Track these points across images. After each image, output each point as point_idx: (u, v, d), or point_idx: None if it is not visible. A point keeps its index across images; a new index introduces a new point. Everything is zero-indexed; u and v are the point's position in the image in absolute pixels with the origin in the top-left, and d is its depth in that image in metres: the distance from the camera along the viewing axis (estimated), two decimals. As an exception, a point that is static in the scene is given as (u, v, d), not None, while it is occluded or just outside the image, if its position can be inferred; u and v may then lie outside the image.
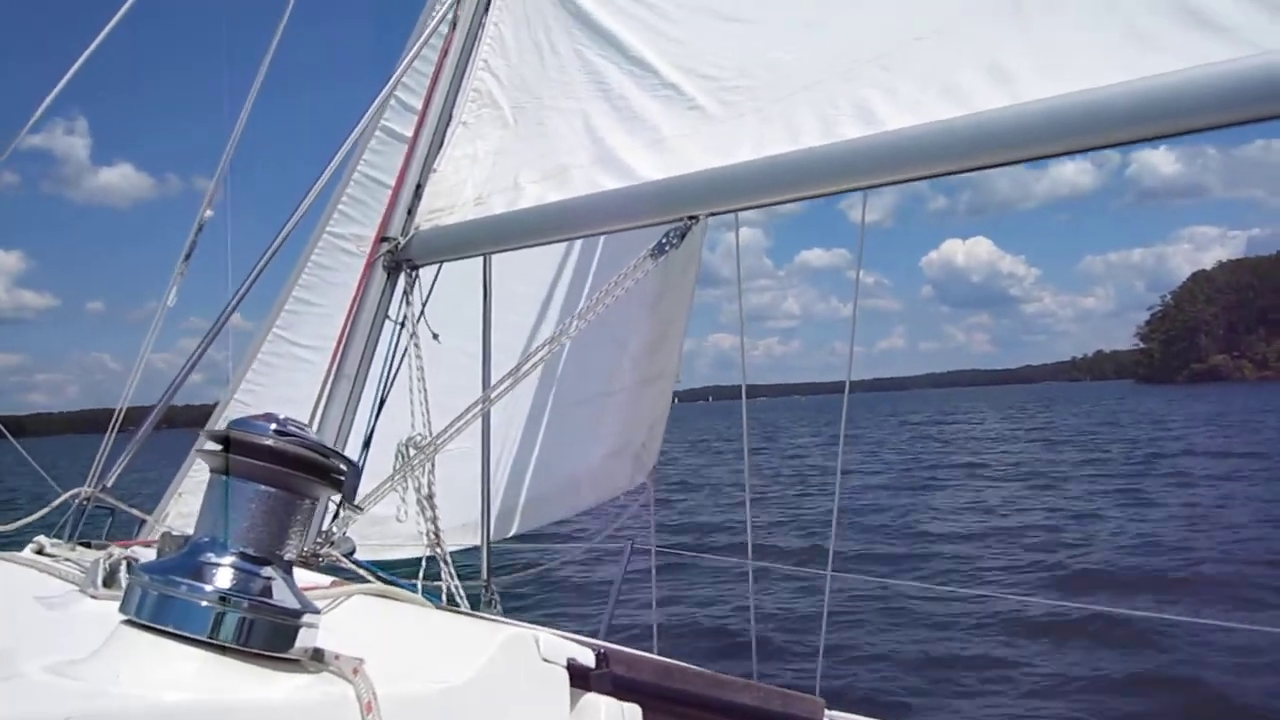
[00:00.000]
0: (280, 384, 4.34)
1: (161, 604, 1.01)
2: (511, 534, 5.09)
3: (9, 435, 4.13)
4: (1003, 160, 2.09)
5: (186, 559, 1.05)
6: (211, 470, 1.08)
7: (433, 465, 2.62)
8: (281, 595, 1.06)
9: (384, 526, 3.71)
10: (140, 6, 4.44)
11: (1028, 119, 2.02)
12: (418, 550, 3.52)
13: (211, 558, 1.04)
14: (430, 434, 2.67)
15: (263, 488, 1.06)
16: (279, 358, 4.43)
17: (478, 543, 4.28)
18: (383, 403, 2.99)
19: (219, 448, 1.07)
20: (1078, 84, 1.95)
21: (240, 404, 4.32)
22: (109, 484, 2.87)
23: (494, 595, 4.04)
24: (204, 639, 1.00)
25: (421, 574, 3.58)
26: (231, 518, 1.06)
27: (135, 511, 3.16)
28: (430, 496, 2.60)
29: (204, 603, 1.01)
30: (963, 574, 12.09)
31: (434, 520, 2.61)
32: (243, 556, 1.05)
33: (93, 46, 4.51)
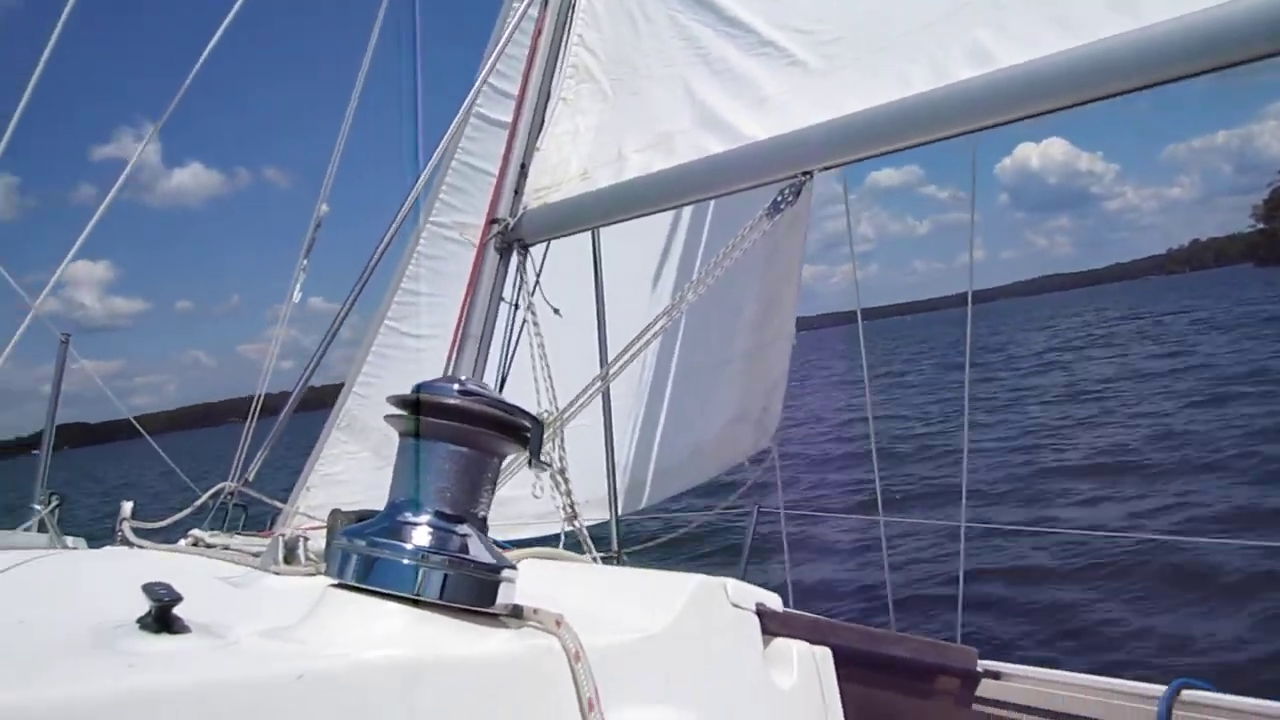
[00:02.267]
0: (395, 374, 4.42)
1: (367, 565, 1.04)
2: (640, 507, 5.12)
3: (151, 440, 4.30)
4: (1133, 87, 2.00)
5: (385, 521, 1.07)
6: (401, 434, 1.11)
7: (562, 440, 2.65)
8: (478, 552, 1.08)
9: (507, 507, 3.75)
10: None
11: (1149, 42, 1.93)
12: (543, 528, 3.56)
13: (409, 517, 1.06)
14: (556, 409, 2.69)
15: (454, 447, 1.08)
16: (393, 349, 4.51)
17: (605, 517, 4.32)
18: (503, 381, 3.03)
19: (405, 412, 1.10)
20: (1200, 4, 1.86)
21: (359, 397, 4.43)
22: (249, 478, 2.97)
23: (626, 565, 4.07)
24: (410, 596, 1.02)
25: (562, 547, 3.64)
26: (424, 479, 1.08)
27: (276, 503, 3.26)
28: (563, 471, 2.63)
29: (406, 561, 1.03)
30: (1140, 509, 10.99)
31: (569, 494, 2.64)
32: (439, 515, 1.07)
33: (193, 73, 4.62)
